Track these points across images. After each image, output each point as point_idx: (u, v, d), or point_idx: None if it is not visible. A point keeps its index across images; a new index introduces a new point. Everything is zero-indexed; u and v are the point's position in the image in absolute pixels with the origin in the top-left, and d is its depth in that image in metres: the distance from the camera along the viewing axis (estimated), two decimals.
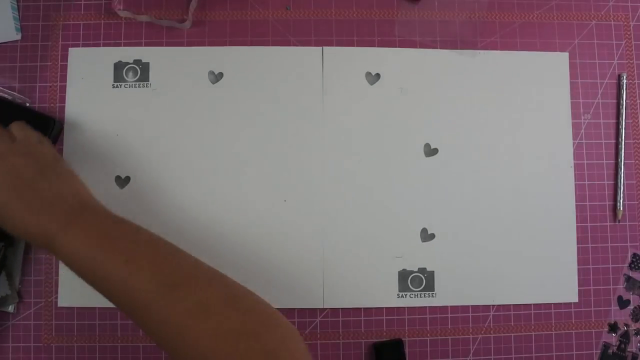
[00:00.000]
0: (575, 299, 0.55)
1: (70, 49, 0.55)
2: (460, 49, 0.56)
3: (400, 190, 0.55)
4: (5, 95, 0.53)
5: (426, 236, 0.55)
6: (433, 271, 0.54)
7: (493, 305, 0.54)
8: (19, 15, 0.55)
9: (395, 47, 0.56)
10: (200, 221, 0.54)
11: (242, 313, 0.38)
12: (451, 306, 0.54)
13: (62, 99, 0.55)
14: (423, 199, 0.55)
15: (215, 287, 0.40)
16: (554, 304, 0.55)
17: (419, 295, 0.54)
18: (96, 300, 0.52)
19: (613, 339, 0.55)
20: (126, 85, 0.55)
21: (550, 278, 0.55)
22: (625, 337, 0.55)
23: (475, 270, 0.54)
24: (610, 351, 0.54)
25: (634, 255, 0.55)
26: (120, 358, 0.53)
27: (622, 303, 0.55)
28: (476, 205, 0.55)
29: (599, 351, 0.54)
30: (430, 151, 0.56)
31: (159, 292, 0.38)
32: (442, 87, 0.56)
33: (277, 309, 0.53)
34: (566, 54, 0.57)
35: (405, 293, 0.54)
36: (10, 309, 0.52)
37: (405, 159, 0.55)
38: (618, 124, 0.57)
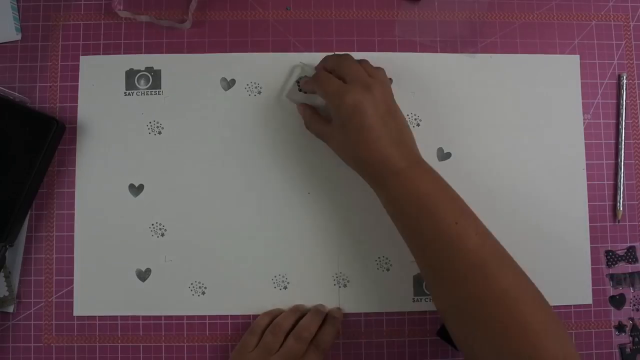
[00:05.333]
0: (590, 301, 0.55)
1: (81, 57, 0.55)
2: (461, 49, 0.56)
3: None
4: (5, 95, 0.53)
5: None
6: None
7: None
8: (19, 16, 0.55)
9: (396, 47, 0.56)
10: (215, 228, 0.54)
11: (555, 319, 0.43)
12: None
13: (62, 99, 0.55)
14: None
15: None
16: (555, 305, 0.55)
17: None
18: (111, 309, 0.53)
19: (624, 338, 0.55)
20: (138, 93, 0.55)
21: (565, 280, 0.55)
22: (635, 331, 0.55)
23: None
24: (627, 350, 0.55)
25: (606, 252, 0.55)
26: (120, 358, 0.53)
27: (616, 302, 0.55)
28: (489, 208, 0.54)
29: (615, 350, 0.55)
30: (443, 155, 0.55)
31: (487, 259, 0.43)
32: (454, 90, 0.56)
33: None
34: (577, 57, 0.57)
35: (421, 297, 0.54)
36: (10, 309, 0.52)
37: None
38: (618, 124, 0.57)
